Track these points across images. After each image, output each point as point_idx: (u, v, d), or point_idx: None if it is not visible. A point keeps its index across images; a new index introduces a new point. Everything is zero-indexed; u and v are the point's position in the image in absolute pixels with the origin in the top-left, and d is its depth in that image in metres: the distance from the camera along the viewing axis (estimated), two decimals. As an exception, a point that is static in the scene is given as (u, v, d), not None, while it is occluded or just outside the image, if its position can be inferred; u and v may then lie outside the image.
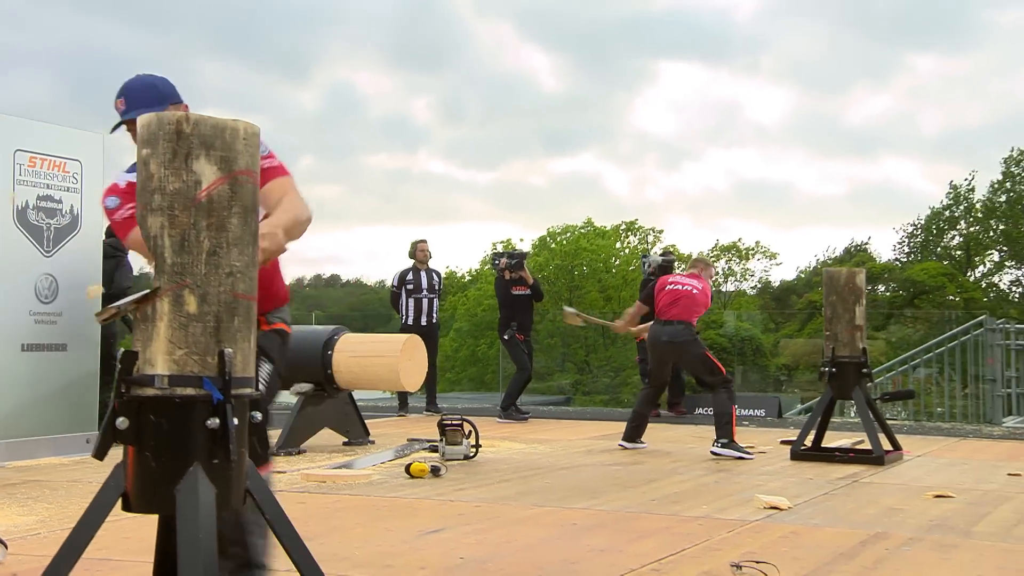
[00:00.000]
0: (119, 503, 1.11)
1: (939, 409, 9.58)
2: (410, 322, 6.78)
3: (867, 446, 4.62)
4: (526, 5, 64.30)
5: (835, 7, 60.25)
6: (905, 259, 39.14)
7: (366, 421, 5.62)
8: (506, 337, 6.93)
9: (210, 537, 0.99)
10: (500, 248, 32.44)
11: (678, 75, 72.27)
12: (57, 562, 1.05)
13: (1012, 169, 37.61)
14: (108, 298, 4.50)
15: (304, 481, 4.35)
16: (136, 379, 1.08)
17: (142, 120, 1.19)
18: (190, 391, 1.07)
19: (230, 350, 1.11)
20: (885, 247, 55.23)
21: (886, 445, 4.61)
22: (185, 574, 0.95)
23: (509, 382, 7.31)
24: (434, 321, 7.05)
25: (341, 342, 4.62)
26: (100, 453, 1.07)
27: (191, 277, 1.12)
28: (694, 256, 15.39)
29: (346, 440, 5.31)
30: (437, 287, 7.07)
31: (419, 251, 6.89)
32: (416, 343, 5.12)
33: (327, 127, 74.75)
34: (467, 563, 2.66)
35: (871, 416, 4.50)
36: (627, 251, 39.04)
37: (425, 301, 6.78)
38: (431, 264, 7.11)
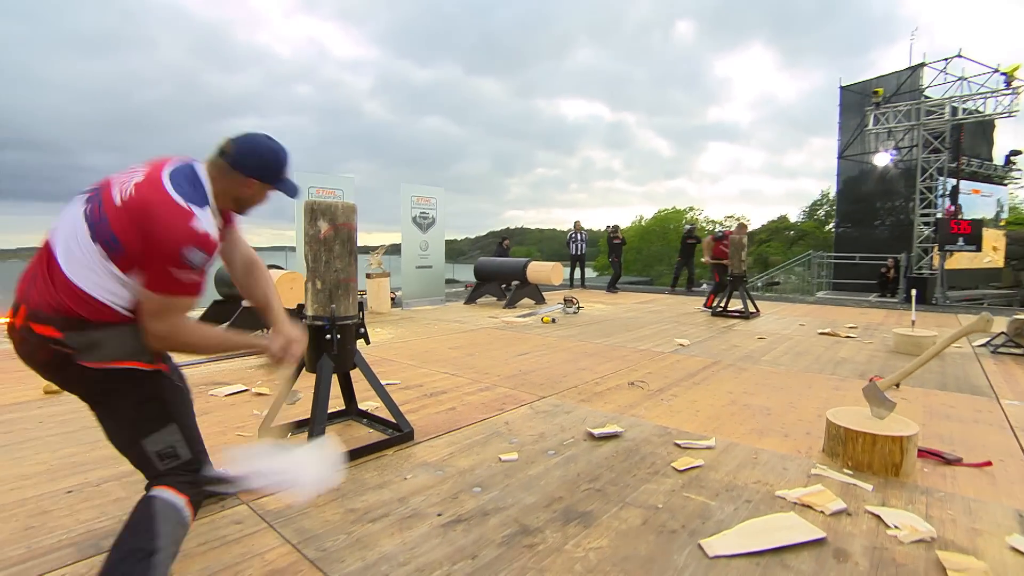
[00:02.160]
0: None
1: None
2: (575, 252, 12.72)
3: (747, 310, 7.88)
4: None
5: None
6: None
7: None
8: (613, 259, 12.38)
9: (328, 381, 2.44)
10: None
11: None
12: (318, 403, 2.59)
13: None
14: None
15: (502, 323, 6.83)
16: (303, 317, 2.50)
17: (305, 204, 2.43)
18: (319, 323, 2.46)
19: (334, 305, 2.47)
20: None
21: (754, 309, 7.85)
22: (318, 398, 2.41)
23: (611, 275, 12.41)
24: (583, 252, 12.82)
25: (531, 264, 9.00)
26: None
27: (317, 273, 2.45)
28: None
29: (534, 302, 9.22)
30: (583, 238, 12.66)
31: (576, 224, 12.61)
32: (556, 266, 8.94)
33: None
34: (519, 372, 4.14)
35: (746, 296, 7.79)
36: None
37: (579, 245, 12.68)
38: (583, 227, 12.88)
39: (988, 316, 2.25)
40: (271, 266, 6.00)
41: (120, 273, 1.29)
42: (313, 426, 2.37)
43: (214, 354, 1.60)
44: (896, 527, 1.84)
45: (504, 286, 9.40)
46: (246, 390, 3.51)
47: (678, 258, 12.48)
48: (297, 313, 2.59)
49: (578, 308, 8.15)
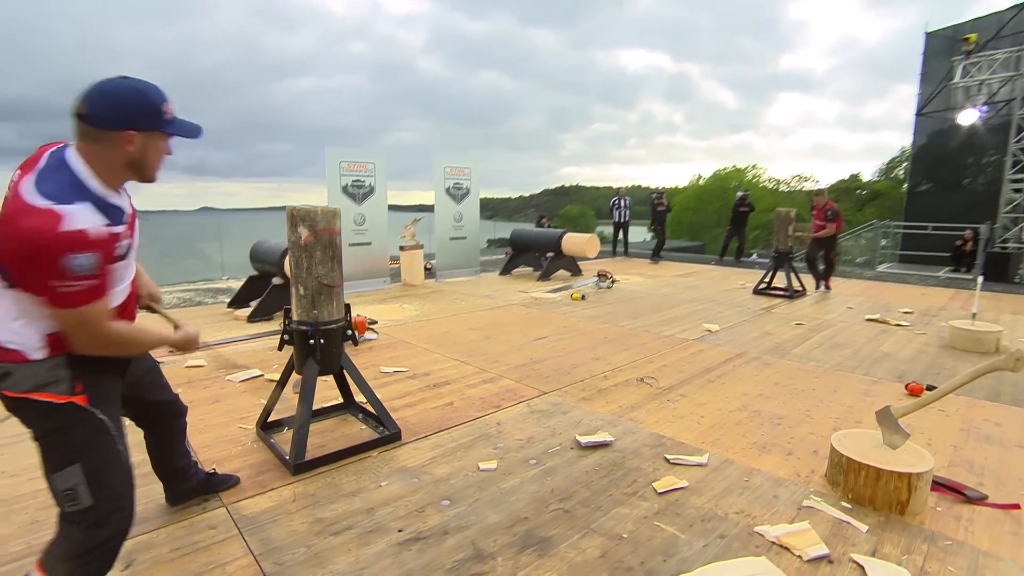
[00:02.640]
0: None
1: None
2: (618, 219, 12.50)
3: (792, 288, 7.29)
4: None
5: None
6: None
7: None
8: (656, 227, 11.91)
9: (312, 386, 2.47)
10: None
11: None
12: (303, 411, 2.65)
13: None
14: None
15: (530, 299, 6.78)
16: (288, 320, 2.51)
17: (287, 210, 2.40)
18: (303, 327, 2.47)
19: (316, 311, 2.46)
20: None
21: (799, 287, 7.34)
22: (302, 399, 2.45)
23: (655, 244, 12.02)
24: (627, 219, 12.60)
25: (566, 236, 8.91)
26: (280, 347, 2.56)
27: (299, 279, 2.44)
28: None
29: (570, 273, 9.10)
30: (627, 204, 12.42)
31: (620, 190, 12.48)
32: (591, 238, 8.71)
33: None
34: (529, 361, 4.05)
35: (790, 272, 7.21)
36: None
37: (623, 212, 12.42)
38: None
39: (1020, 355, 1.93)
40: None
41: (26, 297, 1.21)
42: (297, 428, 2.42)
43: (152, 349, 1.46)
44: (880, 583, 1.66)
45: (540, 256, 9.25)
46: (261, 375, 3.66)
47: (728, 226, 11.76)
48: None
49: (612, 283, 7.91)
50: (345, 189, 7.25)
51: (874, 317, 5.77)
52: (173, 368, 3.77)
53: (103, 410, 1.39)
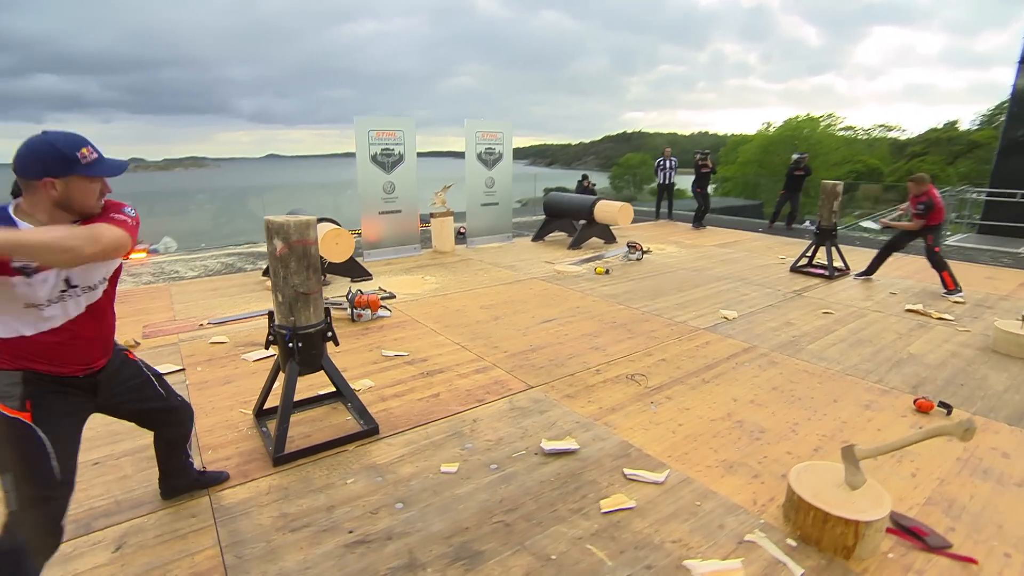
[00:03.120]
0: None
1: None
2: (662, 180, 11.92)
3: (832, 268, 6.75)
4: None
5: None
6: None
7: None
8: (697, 190, 10.85)
9: (293, 383, 2.64)
10: None
11: None
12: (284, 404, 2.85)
13: None
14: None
15: (553, 272, 6.75)
16: (272, 324, 2.67)
17: (265, 222, 2.49)
18: (283, 331, 2.62)
19: (293, 317, 2.59)
20: None
21: (842, 266, 6.93)
22: (285, 392, 2.63)
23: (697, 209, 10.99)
24: (672, 181, 12.07)
25: (599, 203, 8.66)
26: (267, 345, 2.73)
27: (278, 287, 2.57)
28: None
29: (603, 241, 9.02)
30: (673, 166, 11.77)
31: (665, 151, 11.87)
32: (624, 207, 8.44)
33: None
34: (528, 348, 4.09)
35: (831, 250, 6.72)
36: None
37: (668, 173, 11.82)
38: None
39: (969, 426, 1.73)
40: (323, 219, 6.32)
41: None
42: (278, 423, 2.62)
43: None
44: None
45: (575, 222, 9.06)
46: (274, 355, 3.94)
47: (781, 191, 10.93)
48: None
49: (642, 255, 7.67)
50: (374, 158, 7.32)
51: (915, 308, 5.30)
52: (198, 344, 4.13)
53: (44, 428, 1.58)
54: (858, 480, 2.07)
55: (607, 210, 8.45)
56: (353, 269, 6.27)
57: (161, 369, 3.48)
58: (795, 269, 6.95)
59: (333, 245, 5.52)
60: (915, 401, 3.23)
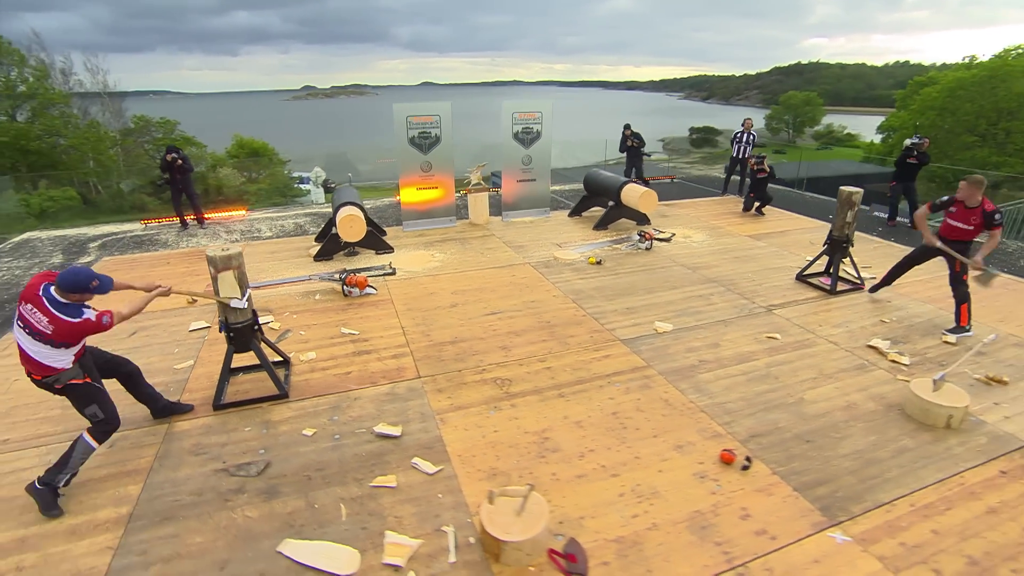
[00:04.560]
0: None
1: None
2: (736, 154, 11.07)
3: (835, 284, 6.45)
4: None
5: None
6: None
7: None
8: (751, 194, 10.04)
9: (229, 358, 3.94)
10: None
11: None
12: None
13: None
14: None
15: (551, 258, 7.27)
16: (223, 318, 3.96)
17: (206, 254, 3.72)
18: (220, 325, 3.89)
19: (224, 317, 3.84)
20: None
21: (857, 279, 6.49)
22: (224, 363, 3.94)
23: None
24: (747, 156, 10.87)
25: (626, 187, 8.70)
26: (220, 330, 4.03)
27: (217, 296, 3.82)
28: None
29: (636, 223, 9.00)
30: (752, 140, 10.96)
31: (746, 123, 10.97)
32: (647, 193, 8.41)
33: None
34: (453, 340, 4.91)
35: (839, 264, 6.34)
36: None
37: (744, 148, 10.92)
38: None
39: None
40: (347, 203, 7.52)
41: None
42: (219, 381, 3.96)
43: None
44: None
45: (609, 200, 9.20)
46: (269, 322, 5.35)
47: (891, 181, 9.35)
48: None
49: (651, 244, 7.72)
50: (412, 140, 8.27)
51: (875, 344, 4.96)
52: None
53: (94, 379, 3.13)
54: (520, 510, 2.74)
55: (631, 194, 8.46)
56: (378, 244, 7.51)
57: (191, 324, 5.13)
58: (800, 278, 6.57)
59: (348, 228, 6.76)
60: (722, 451, 3.51)
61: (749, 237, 8.40)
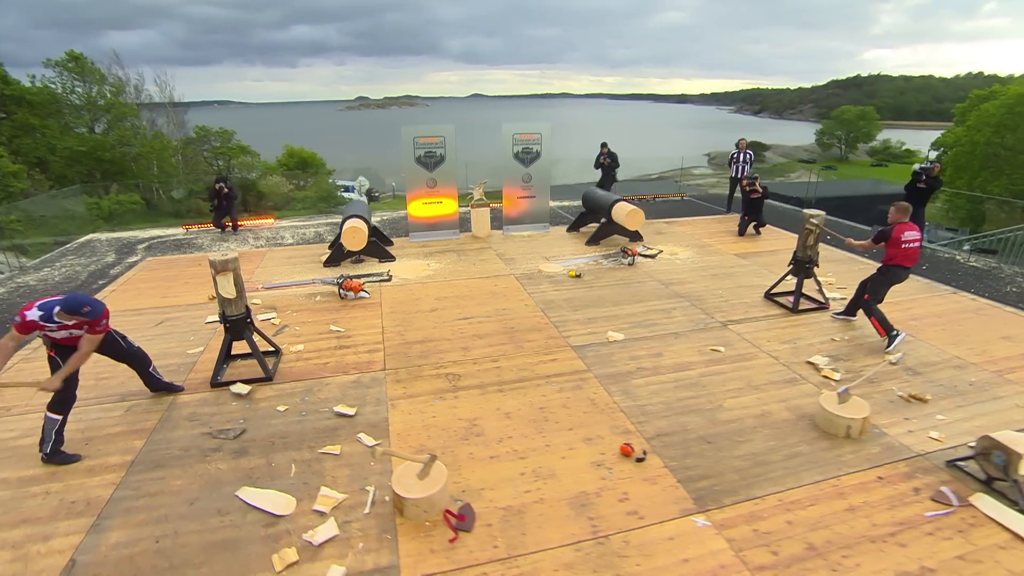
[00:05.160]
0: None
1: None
2: (735, 174, 11.47)
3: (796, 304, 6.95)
4: None
5: None
6: None
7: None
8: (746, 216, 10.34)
9: (227, 344, 4.78)
10: None
11: None
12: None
13: None
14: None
15: (535, 271, 7.87)
16: (222, 312, 4.82)
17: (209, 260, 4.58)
18: (220, 317, 4.74)
19: (224, 310, 4.68)
20: None
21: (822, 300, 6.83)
22: (222, 348, 4.78)
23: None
24: (746, 174, 11.06)
25: (617, 204, 9.27)
26: (219, 321, 4.88)
27: (217, 293, 4.67)
28: None
29: (629, 239, 9.50)
30: (749, 159, 11.59)
31: (740, 143, 11.71)
32: (633, 211, 8.97)
33: None
34: (423, 340, 5.57)
35: (799, 283, 6.63)
36: None
37: (742, 167, 11.51)
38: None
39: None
40: (353, 216, 8.39)
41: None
42: (216, 363, 4.79)
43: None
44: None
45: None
46: (270, 318, 6.21)
47: None
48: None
49: (632, 260, 8.17)
50: (419, 159, 9.10)
51: (814, 361, 5.26)
52: (244, 301, 6.64)
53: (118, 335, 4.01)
54: (422, 475, 3.36)
55: (619, 211, 8.95)
56: (381, 252, 8.33)
57: (208, 317, 6.06)
58: (768, 296, 6.88)
59: (351, 237, 7.60)
60: (622, 445, 4.00)
61: (735, 255, 8.70)
